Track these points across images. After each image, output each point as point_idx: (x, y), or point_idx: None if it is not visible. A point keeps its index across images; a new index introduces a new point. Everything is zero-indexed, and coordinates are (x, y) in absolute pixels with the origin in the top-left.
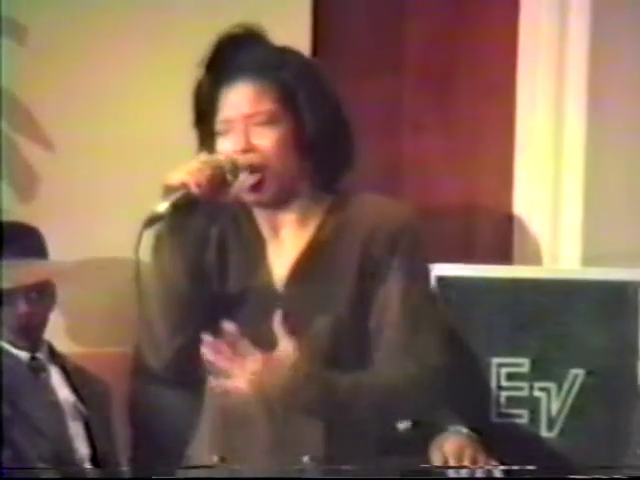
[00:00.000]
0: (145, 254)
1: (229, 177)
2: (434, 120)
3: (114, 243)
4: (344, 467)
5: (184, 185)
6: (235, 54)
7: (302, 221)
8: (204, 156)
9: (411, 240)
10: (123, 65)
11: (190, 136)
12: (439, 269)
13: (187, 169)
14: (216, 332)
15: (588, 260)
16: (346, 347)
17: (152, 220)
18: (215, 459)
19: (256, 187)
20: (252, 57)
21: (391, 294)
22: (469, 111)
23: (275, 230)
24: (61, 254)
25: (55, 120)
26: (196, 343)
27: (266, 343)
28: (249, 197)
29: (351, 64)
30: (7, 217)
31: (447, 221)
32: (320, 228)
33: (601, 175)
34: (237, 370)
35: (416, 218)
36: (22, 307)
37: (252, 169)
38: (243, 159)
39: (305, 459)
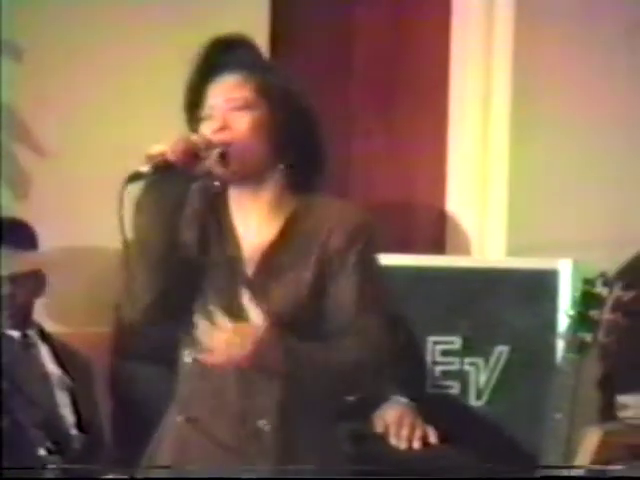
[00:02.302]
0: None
1: (202, 153)
2: (377, 125)
3: (97, 235)
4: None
5: (162, 154)
6: (223, 54)
7: (271, 217)
8: (183, 135)
9: (366, 238)
10: (115, 71)
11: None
12: (383, 259)
13: (167, 143)
14: (189, 299)
15: (512, 251)
16: (307, 327)
17: (133, 177)
18: (181, 419)
19: (224, 160)
20: (238, 56)
21: (346, 284)
22: (407, 117)
23: (246, 220)
24: (51, 246)
25: (47, 126)
26: (171, 297)
27: (234, 314)
28: (217, 168)
29: (304, 74)
30: (3, 213)
31: (388, 215)
32: (287, 223)
33: (524, 175)
34: (216, 344)
35: (373, 220)
36: (6, 289)
37: (223, 144)
38: (216, 137)
39: (261, 422)
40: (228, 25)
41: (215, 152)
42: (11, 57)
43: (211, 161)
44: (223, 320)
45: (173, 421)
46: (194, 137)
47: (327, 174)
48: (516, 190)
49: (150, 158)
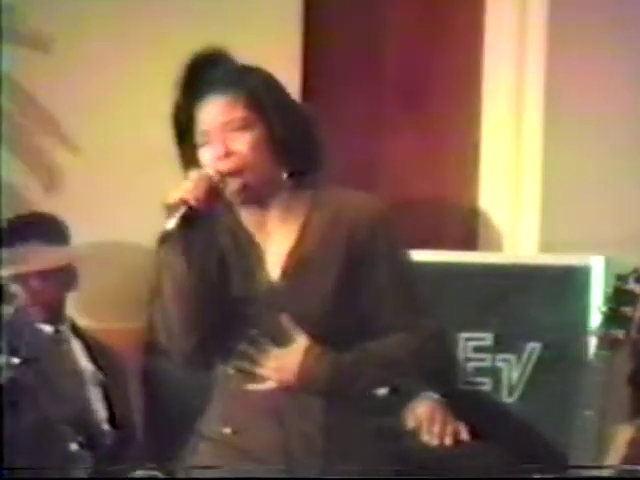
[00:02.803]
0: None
1: (220, 185)
2: (408, 122)
3: (129, 230)
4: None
5: (184, 201)
6: (205, 72)
7: (285, 218)
8: (194, 173)
9: (389, 226)
10: (149, 67)
11: None
12: (414, 255)
13: (184, 187)
14: (231, 332)
15: (544, 247)
16: (342, 327)
17: (164, 237)
18: (228, 431)
19: (240, 189)
20: (220, 73)
21: (380, 278)
22: (439, 114)
23: (265, 230)
24: (82, 242)
25: (79, 120)
26: (210, 338)
27: (277, 337)
28: (236, 200)
29: (335, 72)
30: (34, 209)
31: (420, 212)
32: (306, 223)
33: (557, 172)
34: (266, 371)
35: (389, 209)
36: (36, 284)
37: (234, 172)
38: (225, 166)
39: (307, 426)
40: (259, 26)
41: (235, 183)
42: (42, 49)
43: (230, 193)
44: (268, 346)
45: (217, 431)
46: (209, 173)
47: (326, 162)
48: (549, 186)
49: (171, 208)
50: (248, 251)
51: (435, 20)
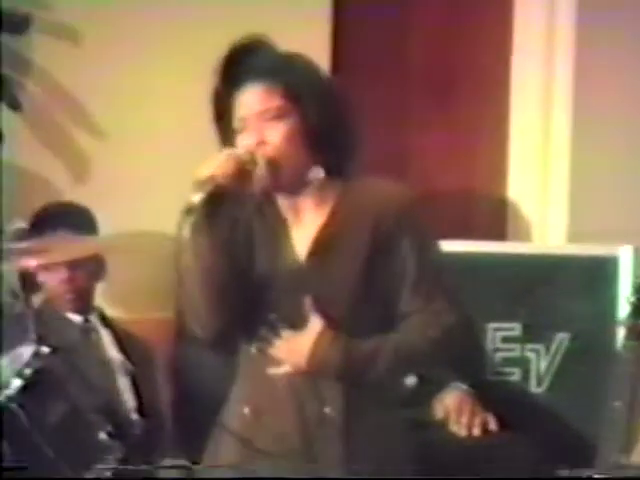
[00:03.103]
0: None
1: (250, 168)
2: (437, 117)
3: (157, 219)
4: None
5: (212, 178)
6: (244, 60)
7: (319, 204)
8: (226, 151)
9: (416, 214)
10: (176, 56)
11: None
12: (443, 245)
13: (213, 164)
14: (254, 314)
15: (573, 237)
16: (364, 314)
17: (190, 210)
18: (247, 411)
19: (273, 177)
20: (259, 62)
21: (406, 266)
22: (468, 109)
23: (296, 214)
24: (110, 231)
25: (106, 111)
26: (236, 318)
27: (295, 320)
28: (267, 185)
29: (364, 69)
30: (61, 199)
31: (450, 204)
32: (335, 209)
33: (585, 163)
34: (281, 354)
35: (417, 198)
36: (64, 273)
37: (267, 160)
38: (259, 151)
39: (327, 409)
40: (290, 21)
41: (262, 168)
42: (71, 42)
43: (260, 177)
44: (285, 330)
45: (237, 411)
46: (239, 152)
47: (364, 152)
48: (577, 177)
49: (200, 184)
50: (276, 232)
51: (464, 18)
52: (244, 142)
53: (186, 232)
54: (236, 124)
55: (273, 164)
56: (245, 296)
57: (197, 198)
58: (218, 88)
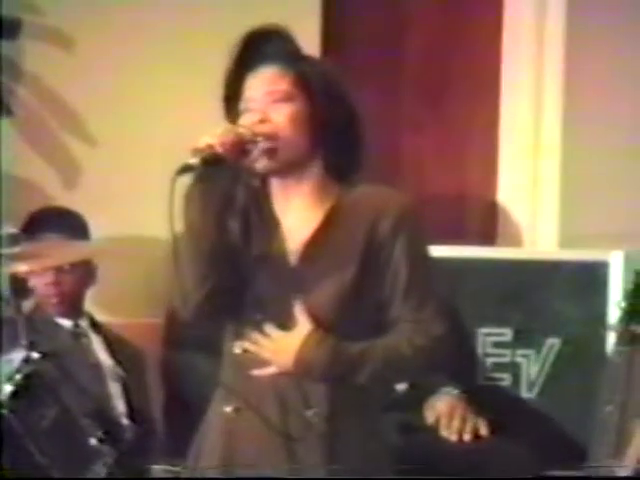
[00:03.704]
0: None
1: (249, 143)
2: (428, 119)
3: (148, 224)
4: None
5: (210, 147)
6: (261, 45)
7: (313, 202)
8: (227, 126)
9: (412, 223)
10: (164, 61)
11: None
12: (434, 250)
13: (212, 134)
14: (240, 299)
15: (563, 242)
16: (354, 318)
17: (183, 170)
18: (229, 410)
19: (269, 153)
20: (275, 48)
21: (398, 273)
22: (458, 110)
23: (292, 213)
24: (101, 235)
25: (97, 117)
26: (221, 293)
27: (283, 319)
28: (263, 162)
29: (356, 68)
30: (54, 204)
31: (440, 208)
32: (331, 212)
33: (576, 167)
34: (266, 354)
35: (416, 205)
36: (50, 277)
37: (267, 137)
38: (260, 128)
39: (309, 413)
40: (279, 19)
41: (261, 144)
42: (62, 48)
43: (257, 153)
44: (271, 329)
45: (220, 411)
46: (241, 129)
47: (367, 163)
48: (568, 182)
49: (198, 151)
50: (270, 229)
51: (455, 19)
52: (247, 121)
53: (175, 195)
54: (242, 104)
55: (272, 141)
56: (232, 278)
57: (192, 161)
58: (231, 69)
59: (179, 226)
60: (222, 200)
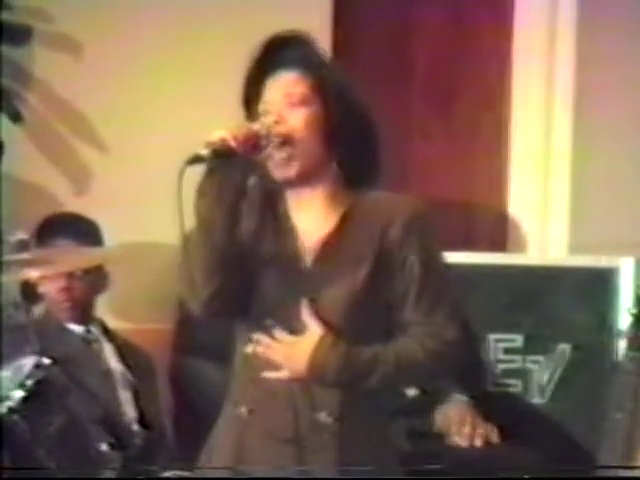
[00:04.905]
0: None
1: (263, 142)
2: (438, 128)
3: (159, 230)
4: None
5: (223, 140)
6: (282, 50)
7: (329, 211)
8: (242, 125)
9: (424, 227)
10: (177, 67)
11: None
12: (445, 257)
13: (227, 129)
14: (250, 297)
15: (574, 249)
16: (365, 322)
17: (193, 159)
18: (243, 410)
19: (285, 162)
20: (296, 53)
21: (410, 276)
22: (469, 119)
23: (300, 210)
24: (111, 242)
25: (106, 123)
26: (230, 290)
27: (292, 323)
28: (279, 172)
29: (365, 76)
30: (63, 209)
31: (450, 216)
32: (345, 217)
33: (586, 174)
34: (277, 358)
35: (428, 209)
36: (61, 282)
37: (283, 139)
38: (276, 128)
39: (320, 415)
40: (289, 26)
41: (275, 141)
42: (71, 54)
43: (271, 150)
44: (281, 334)
45: (232, 413)
46: (255, 125)
47: (382, 171)
48: (578, 188)
49: (210, 144)
50: (285, 233)
51: (465, 27)
52: (264, 121)
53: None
54: (261, 106)
55: (287, 144)
56: (241, 276)
57: (203, 152)
58: (251, 73)
59: (190, 222)
60: (234, 195)
